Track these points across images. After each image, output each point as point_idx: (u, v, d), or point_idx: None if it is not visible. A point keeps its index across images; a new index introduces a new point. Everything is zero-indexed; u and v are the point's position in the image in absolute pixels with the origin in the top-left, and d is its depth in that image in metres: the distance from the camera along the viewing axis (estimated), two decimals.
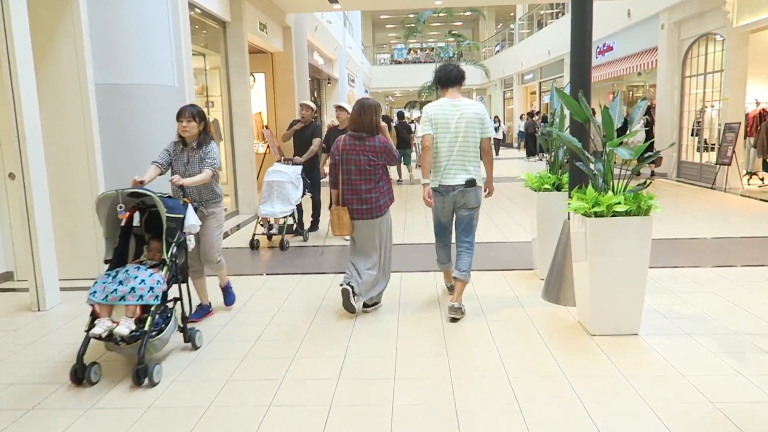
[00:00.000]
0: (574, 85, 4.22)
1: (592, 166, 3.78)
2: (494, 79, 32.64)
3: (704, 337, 3.71)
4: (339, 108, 7.31)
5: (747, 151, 11.39)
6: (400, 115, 15.61)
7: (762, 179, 11.42)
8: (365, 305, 4.47)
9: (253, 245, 6.98)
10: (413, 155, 15.15)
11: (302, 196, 7.24)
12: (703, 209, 8.80)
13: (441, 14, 21.37)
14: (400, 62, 37.90)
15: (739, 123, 10.69)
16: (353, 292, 4.26)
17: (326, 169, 7.09)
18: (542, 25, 24.52)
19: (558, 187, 5.00)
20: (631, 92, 19.20)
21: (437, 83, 4.48)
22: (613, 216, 3.54)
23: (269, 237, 7.26)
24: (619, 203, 3.50)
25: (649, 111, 13.82)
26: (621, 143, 3.58)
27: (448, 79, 4.38)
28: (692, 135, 12.74)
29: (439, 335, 3.98)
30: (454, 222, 4.51)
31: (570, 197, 3.94)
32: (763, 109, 11.10)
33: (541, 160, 18.76)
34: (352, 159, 4.24)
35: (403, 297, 4.85)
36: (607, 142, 3.64)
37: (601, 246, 3.57)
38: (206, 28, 8.81)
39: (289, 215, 6.96)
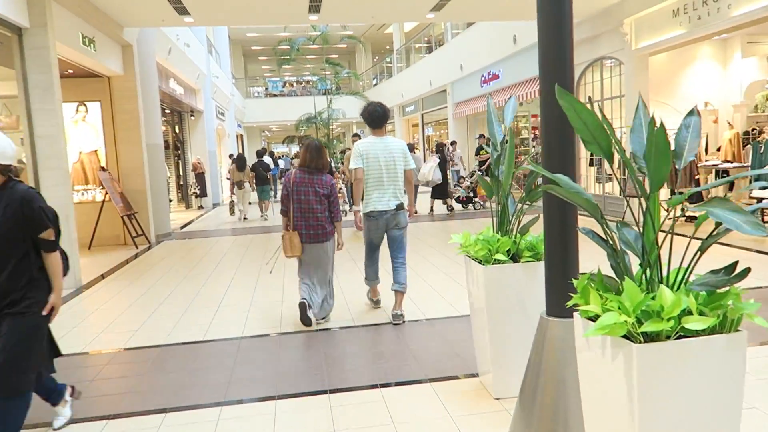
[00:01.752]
0: (546, 93, 2.50)
1: (618, 240, 2.05)
2: None
3: None
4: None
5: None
6: (259, 153, 15.86)
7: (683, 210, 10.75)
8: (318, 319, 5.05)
9: None
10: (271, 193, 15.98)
11: None
12: None
13: (315, 44, 19.77)
14: (275, 95, 35.85)
15: None
16: (309, 305, 4.92)
17: None
18: (423, 52, 23.84)
19: (514, 257, 3.27)
20: (515, 123, 18.68)
21: (367, 122, 5.10)
22: (682, 338, 1.82)
23: None
24: (689, 312, 1.79)
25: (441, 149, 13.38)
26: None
27: (375, 119, 5.07)
28: (590, 165, 11.99)
29: None
30: (385, 242, 5.16)
31: (578, 293, 2.13)
32: None
33: (450, 210, 13.30)
34: (302, 190, 4.94)
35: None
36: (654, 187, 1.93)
37: (668, 403, 1.83)
38: None
39: None
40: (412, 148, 20.08)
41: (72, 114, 10.30)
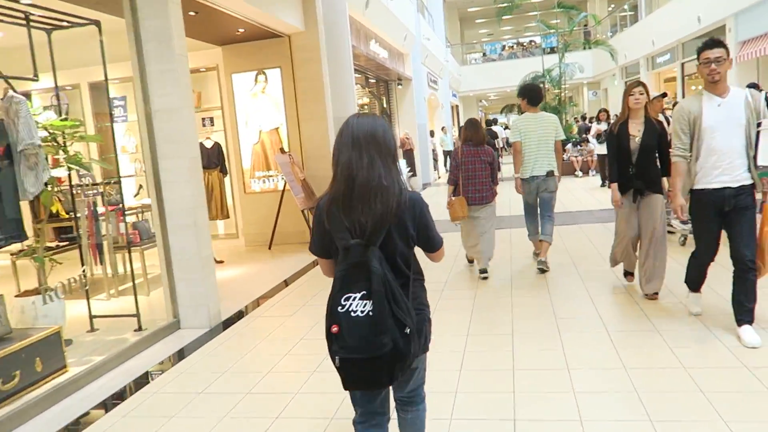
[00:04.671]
0: None
1: None
2: (610, 69, 26.44)
3: None
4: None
5: None
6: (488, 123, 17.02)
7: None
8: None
9: None
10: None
11: None
12: None
13: None
14: (494, 59, 32.53)
15: None
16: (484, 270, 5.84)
17: None
18: None
19: None
20: None
21: (526, 99, 5.97)
22: None
23: None
24: None
25: None
26: None
27: (532, 98, 5.97)
28: None
29: None
30: (538, 202, 6.00)
31: None
32: None
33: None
34: (469, 161, 5.70)
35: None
36: None
37: None
38: None
39: None
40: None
41: (250, 85, 8.58)
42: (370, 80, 14.81)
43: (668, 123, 6.73)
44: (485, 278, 5.72)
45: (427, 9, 21.29)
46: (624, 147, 4.49)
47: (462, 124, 6.47)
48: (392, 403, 2.29)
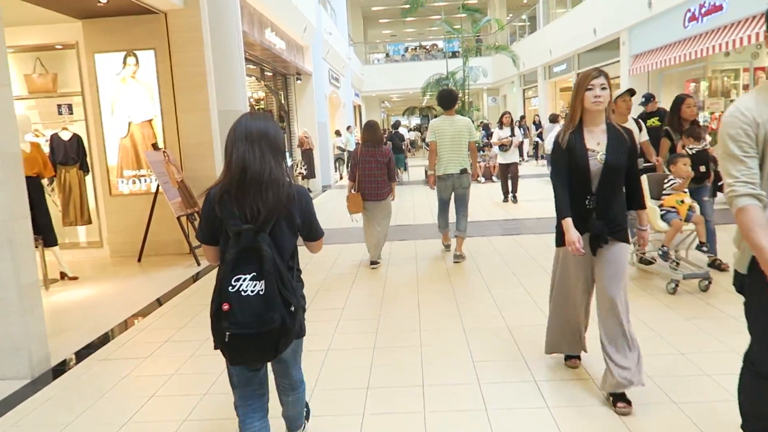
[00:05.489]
0: None
1: None
2: (509, 76, 26.96)
3: None
4: None
5: None
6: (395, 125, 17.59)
7: None
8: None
9: None
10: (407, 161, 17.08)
11: None
12: None
13: None
14: (396, 60, 32.24)
15: None
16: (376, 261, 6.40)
17: None
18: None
19: None
20: (723, 79, 13.48)
21: (439, 104, 6.55)
22: None
23: None
24: None
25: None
26: None
27: (448, 102, 6.39)
28: None
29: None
30: (452, 199, 6.41)
31: None
32: None
33: None
34: (366, 160, 6.17)
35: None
36: None
37: None
38: None
39: None
40: (556, 117, 15.72)
41: (117, 68, 7.28)
42: (266, 73, 13.69)
43: (640, 130, 5.59)
44: (375, 269, 6.26)
45: (329, 3, 20.41)
46: (580, 167, 2.96)
47: (363, 124, 6.95)
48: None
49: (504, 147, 10.98)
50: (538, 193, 11.84)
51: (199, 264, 6.82)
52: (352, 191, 6.27)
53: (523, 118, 21.61)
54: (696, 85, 13.52)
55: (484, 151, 15.57)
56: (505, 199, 10.95)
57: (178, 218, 6.79)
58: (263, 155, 2.14)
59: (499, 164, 11.40)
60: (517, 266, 6.00)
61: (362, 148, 6.27)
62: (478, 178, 14.70)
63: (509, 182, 10.91)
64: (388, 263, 6.49)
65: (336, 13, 21.51)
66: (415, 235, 8.05)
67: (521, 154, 16.65)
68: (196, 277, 6.37)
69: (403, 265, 6.42)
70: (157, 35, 7.12)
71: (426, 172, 12.85)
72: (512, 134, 11.01)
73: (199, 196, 2.48)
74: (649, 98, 8.14)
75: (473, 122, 18.82)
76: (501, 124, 11.52)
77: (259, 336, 2.04)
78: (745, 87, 13.27)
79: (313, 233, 2.36)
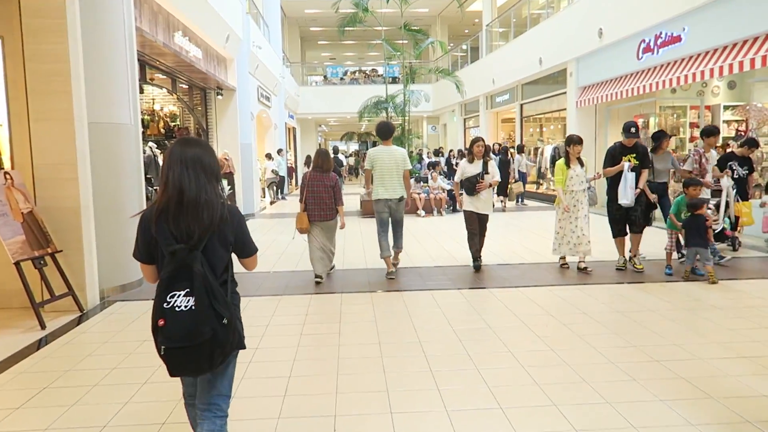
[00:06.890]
0: None
1: None
2: (450, 104, 26.21)
3: None
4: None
5: None
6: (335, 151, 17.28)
7: None
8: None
9: None
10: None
11: None
12: None
13: (387, 7, 14.61)
14: (335, 83, 30.96)
15: None
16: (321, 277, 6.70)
17: None
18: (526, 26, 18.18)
19: None
20: (673, 115, 12.85)
21: (378, 134, 7.00)
22: None
23: None
24: None
25: None
26: None
27: (383, 133, 6.94)
28: None
29: None
30: (390, 221, 6.94)
31: None
32: None
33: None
34: (314, 184, 6.58)
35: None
36: None
37: None
38: None
39: None
40: (522, 148, 15.12)
41: None
42: (181, 84, 11.96)
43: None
44: (319, 283, 6.55)
45: (262, 18, 18.91)
46: None
47: (299, 148, 7.08)
48: None
49: (473, 190, 7.03)
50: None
51: (43, 327, 5.01)
52: (301, 211, 6.63)
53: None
54: (644, 120, 12.84)
55: (423, 183, 14.33)
56: (476, 262, 7.22)
57: (17, 264, 4.99)
58: (198, 178, 2.24)
59: (466, 212, 7.21)
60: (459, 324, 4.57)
61: (311, 172, 6.67)
62: (418, 211, 13.37)
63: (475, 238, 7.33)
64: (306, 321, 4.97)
65: (270, 29, 20.01)
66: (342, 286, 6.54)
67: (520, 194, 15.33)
68: (47, 339, 4.65)
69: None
70: (5, 20, 5.39)
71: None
72: (486, 171, 7.03)
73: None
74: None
75: (413, 151, 17.63)
76: (471, 155, 7.20)
77: (191, 348, 2.15)
78: (692, 125, 12.75)
79: (246, 250, 2.45)
